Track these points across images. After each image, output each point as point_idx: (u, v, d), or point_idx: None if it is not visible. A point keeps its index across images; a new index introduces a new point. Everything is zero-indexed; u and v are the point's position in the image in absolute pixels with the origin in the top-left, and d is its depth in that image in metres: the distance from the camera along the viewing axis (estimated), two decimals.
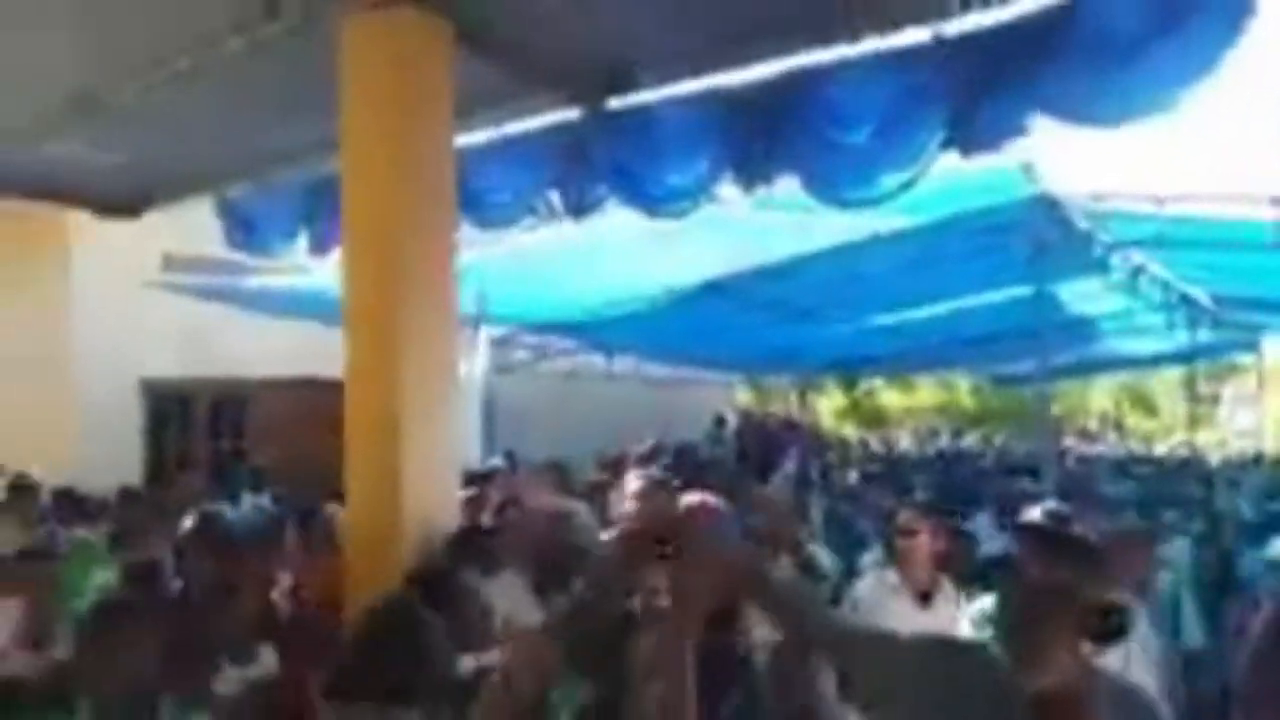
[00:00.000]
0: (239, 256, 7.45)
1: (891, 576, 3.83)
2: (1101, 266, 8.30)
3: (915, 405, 28.95)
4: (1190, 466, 12.15)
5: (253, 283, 8.59)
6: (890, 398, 28.86)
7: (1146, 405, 32.36)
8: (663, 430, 12.09)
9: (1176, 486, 9.94)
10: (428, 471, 3.88)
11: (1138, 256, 8.54)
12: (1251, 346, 14.41)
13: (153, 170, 6.80)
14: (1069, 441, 19.18)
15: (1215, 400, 28.08)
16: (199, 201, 7.28)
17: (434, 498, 3.90)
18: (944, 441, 19.12)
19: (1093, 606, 2.50)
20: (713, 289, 7.90)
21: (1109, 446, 20.53)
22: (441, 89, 3.96)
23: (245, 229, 6.92)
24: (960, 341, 12.28)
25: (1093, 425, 29.41)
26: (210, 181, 6.93)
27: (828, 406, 25.75)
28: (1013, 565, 2.86)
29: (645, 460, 6.86)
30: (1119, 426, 28.02)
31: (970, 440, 20.30)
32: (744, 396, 19.41)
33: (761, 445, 14.23)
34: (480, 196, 4.69)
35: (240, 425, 11.24)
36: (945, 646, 2.34)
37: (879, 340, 11.85)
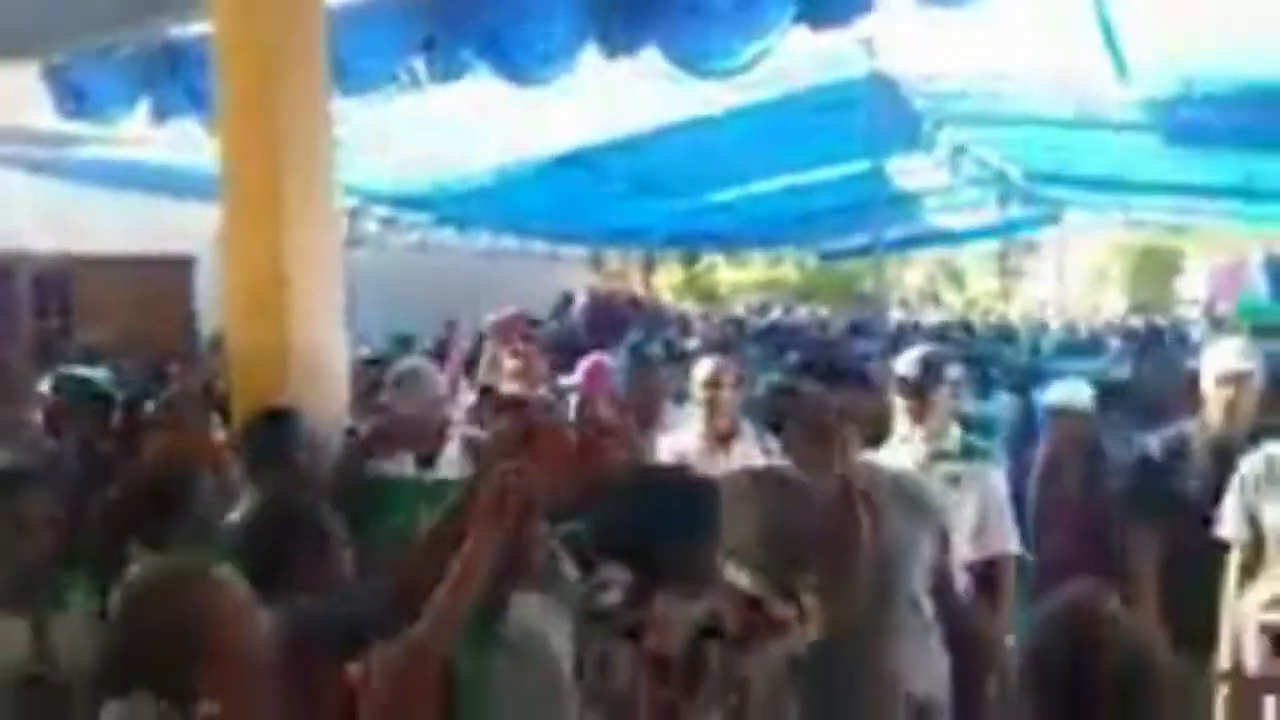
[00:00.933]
0: (65, 127, 7.09)
1: (698, 424, 4.33)
2: (929, 143, 8.90)
3: (745, 280, 30.03)
4: (1000, 332, 13.28)
5: (83, 154, 8.17)
6: (724, 274, 29.82)
7: (958, 280, 34.59)
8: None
9: (988, 350, 10.92)
10: (316, 344, 3.96)
11: (961, 134, 9.18)
12: (1054, 220, 15.61)
13: None
14: (892, 313, 20.43)
15: (1020, 274, 30.27)
16: (16, 68, 6.84)
17: (323, 371, 3.99)
18: (776, 314, 20.03)
19: (866, 418, 3.07)
20: (566, 161, 8.04)
21: (925, 317, 21.92)
22: None
23: (77, 97, 6.56)
24: (793, 217, 12.85)
25: (911, 299, 31.22)
26: (33, 46, 6.53)
27: (665, 282, 26.42)
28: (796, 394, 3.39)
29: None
30: (935, 300, 29.89)
31: (802, 313, 21.30)
32: (586, 274, 19.69)
33: (608, 321, 14.60)
34: (346, 62, 4.67)
35: (66, 302, 10.84)
36: (749, 474, 2.92)
37: (717, 216, 12.28)
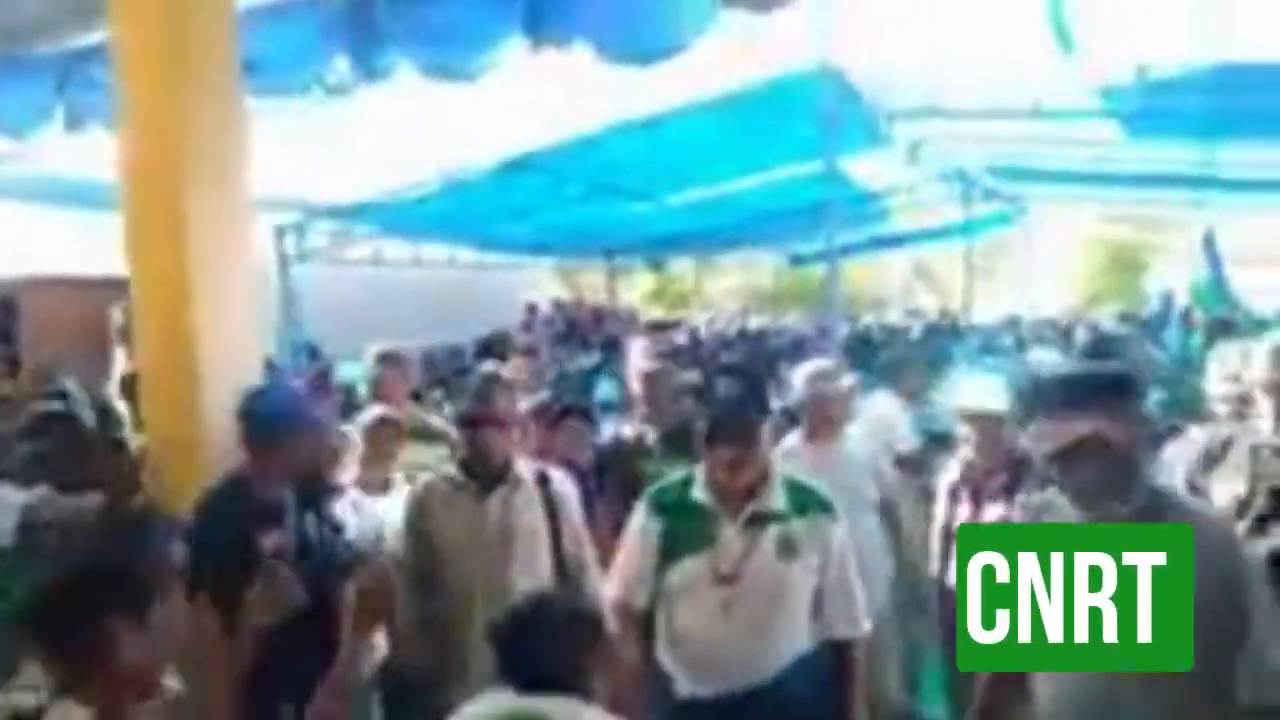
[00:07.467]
0: None
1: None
2: (886, 140, 8.74)
3: (720, 287, 29.86)
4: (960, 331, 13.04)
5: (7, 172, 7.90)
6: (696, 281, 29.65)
7: (931, 282, 34.55)
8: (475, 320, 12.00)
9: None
10: (227, 365, 3.73)
11: (918, 129, 8.99)
12: (1019, 217, 15.44)
13: None
14: (867, 318, 20.19)
15: (991, 275, 30.24)
16: None
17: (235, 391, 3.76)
18: (752, 322, 19.83)
19: None
20: (517, 165, 7.80)
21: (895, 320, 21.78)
22: None
23: None
24: (757, 219, 12.62)
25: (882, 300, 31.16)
26: None
27: (637, 291, 26.23)
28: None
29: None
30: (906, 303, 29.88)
31: (762, 320, 21.12)
32: (551, 284, 19.46)
33: (574, 332, 14.42)
34: (259, 63, 4.42)
35: (11, 328, 10.51)
36: None
37: (679, 218, 12.04)
